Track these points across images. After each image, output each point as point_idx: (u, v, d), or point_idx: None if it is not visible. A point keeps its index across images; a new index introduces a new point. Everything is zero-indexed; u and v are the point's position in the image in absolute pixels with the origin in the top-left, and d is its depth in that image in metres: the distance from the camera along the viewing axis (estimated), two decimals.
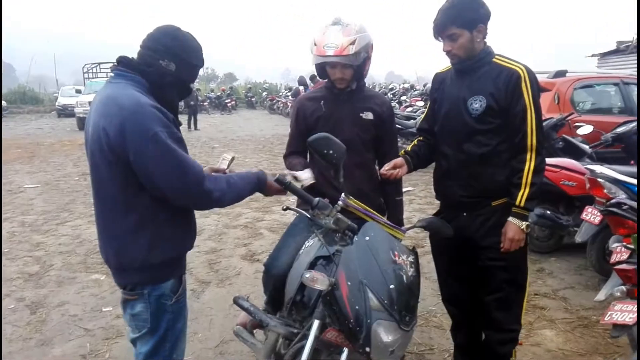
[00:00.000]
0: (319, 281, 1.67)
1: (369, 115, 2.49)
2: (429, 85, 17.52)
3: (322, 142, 1.93)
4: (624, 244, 2.62)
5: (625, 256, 2.57)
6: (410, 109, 12.78)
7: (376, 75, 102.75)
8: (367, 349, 1.61)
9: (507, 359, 2.38)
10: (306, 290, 2.05)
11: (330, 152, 1.92)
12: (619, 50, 15.74)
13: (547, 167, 4.42)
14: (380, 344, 1.59)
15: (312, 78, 18.88)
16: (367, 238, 1.77)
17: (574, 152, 5.12)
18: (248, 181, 1.96)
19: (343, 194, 2.00)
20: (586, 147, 5.23)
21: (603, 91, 7.50)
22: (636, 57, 14.80)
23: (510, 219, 2.19)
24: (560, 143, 5.30)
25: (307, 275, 1.67)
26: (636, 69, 12.40)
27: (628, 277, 2.16)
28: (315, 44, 2.34)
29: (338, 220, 1.90)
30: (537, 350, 3.13)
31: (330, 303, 1.71)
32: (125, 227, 1.79)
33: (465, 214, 2.34)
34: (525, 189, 2.15)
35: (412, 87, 23.97)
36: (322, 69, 2.45)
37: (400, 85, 26.06)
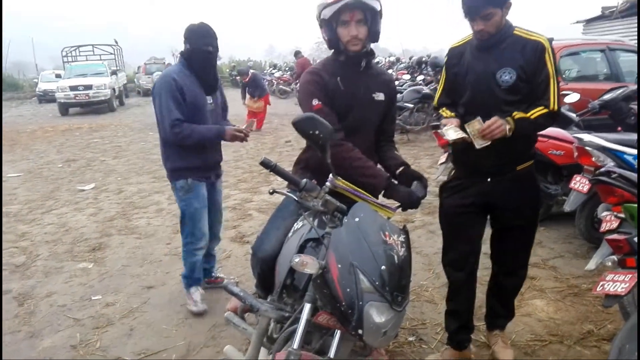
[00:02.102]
0: (308, 265, 1.64)
1: (380, 97, 2.37)
2: (415, 57, 17.47)
3: (308, 122, 1.86)
4: (614, 212, 2.61)
5: (615, 225, 2.56)
6: (396, 82, 12.67)
7: None
8: (360, 331, 1.58)
9: (515, 295, 2.81)
10: (296, 273, 2.02)
11: (317, 132, 1.85)
12: (604, 16, 15.67)
13: None
14: (372, 325, 1.57)
15: (296, 54, 18.69)
16: (357, 219, 1.73)
17: (561, 121, 5.07)
18: (209, 129, 3.22)
19: (331, 175, 1.95)
20: (573, 115, 5.20)
21: (589, 58, 7.45)
22: (622, 23, 14.78)
23: (508, 118, 2.24)
24: None
25: (297, 260, 1.64)
26: (622, 35, 12.39)
27: (619, 247, 2.15)
28: None
29: (326, 201, 1.84)
30: (529, 321, 3.15)
31: (321, 286, 1.69)
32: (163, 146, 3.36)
33: (489, 179, 2.46)
34: (528, 114, 2.26)
35: (398, 60, 23.76)
36: (333, 33, 2.23)
37: (386, 58, 25.76)
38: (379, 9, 2.20)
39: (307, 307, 1.77)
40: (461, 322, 2.70)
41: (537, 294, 3.49)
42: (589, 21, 16.67)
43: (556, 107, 2.26)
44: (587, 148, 3.91)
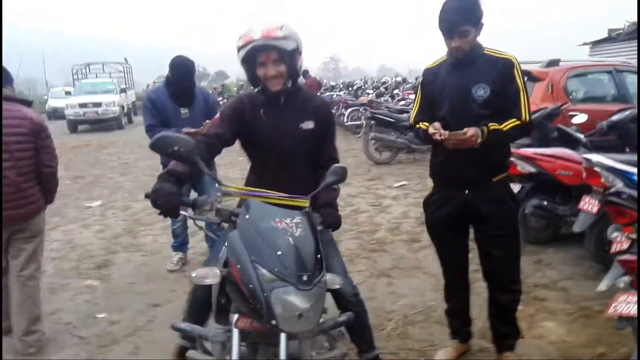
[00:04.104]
0: (209, 276, 1.69)
1: (309, 125, 2.35)
2: (421, 78, 17.59)
3: (162, 142, 1.90)
4: (625, 233, 2.59)
5: (626, 246, 2.54)
6: (403, 102, 12.73)
7: (368, 70, 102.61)
8: (273, 322, 1.59)
9: (514, 312, 2.80)
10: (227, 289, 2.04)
11: (176, 148, 1.87)
12: (611, 38, 15.76)
13: (542, 157, 4.50)
14: (282, 312, 1.58)
15: (304, 74, 18.77)
16: (247, 216, 1.77)
17: (569, 142, 5.07)
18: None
19: (217, 184, 1.98)
20: (581, 136, 5.19)
21: (596, 79, 7.46)
22: (628, 45, 14.84)
23: (484, 128, 2.38)
24: (555, 133, 5.25)
25: (194, 275, 1.69)
26: (629, 57, 12.42)
27: (631, 267, 2.12)
28: (240, 38, 2.20)
29: (219, 210, 1.88)
30: (540, 343, 3.10)
31: (234, 292, 1.72)
32: None
33: (467, 192, 2.59)
34: (501, 127, 2.41)
35: (404, 80, 23.90)
36: (253, 73, 2.28)
37: (392, 78, 25.94)
38: (290, 48, 2.20)
39: (235, 317, 1.78)
40: (461, 319, 2.97)
41: (547, 315, 3.44)
42: (595, 43, 16.77)
43: (528, 118, 2.45)
44: (595, 168, 3.89)
